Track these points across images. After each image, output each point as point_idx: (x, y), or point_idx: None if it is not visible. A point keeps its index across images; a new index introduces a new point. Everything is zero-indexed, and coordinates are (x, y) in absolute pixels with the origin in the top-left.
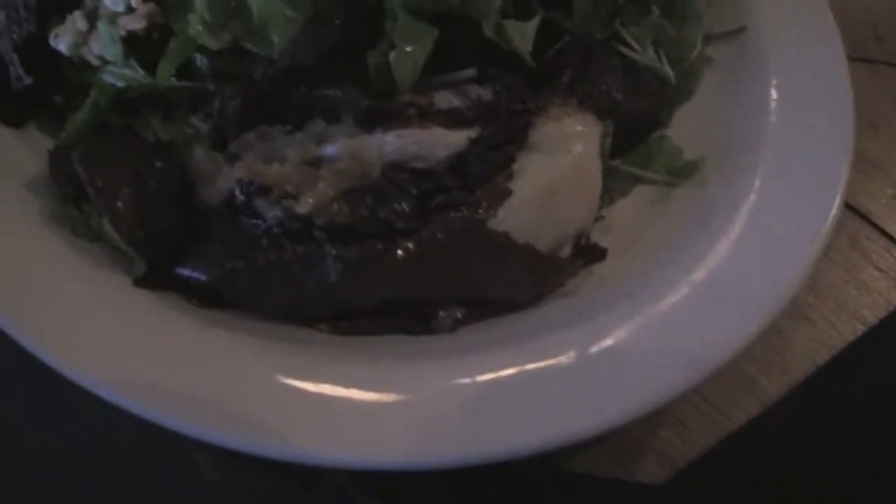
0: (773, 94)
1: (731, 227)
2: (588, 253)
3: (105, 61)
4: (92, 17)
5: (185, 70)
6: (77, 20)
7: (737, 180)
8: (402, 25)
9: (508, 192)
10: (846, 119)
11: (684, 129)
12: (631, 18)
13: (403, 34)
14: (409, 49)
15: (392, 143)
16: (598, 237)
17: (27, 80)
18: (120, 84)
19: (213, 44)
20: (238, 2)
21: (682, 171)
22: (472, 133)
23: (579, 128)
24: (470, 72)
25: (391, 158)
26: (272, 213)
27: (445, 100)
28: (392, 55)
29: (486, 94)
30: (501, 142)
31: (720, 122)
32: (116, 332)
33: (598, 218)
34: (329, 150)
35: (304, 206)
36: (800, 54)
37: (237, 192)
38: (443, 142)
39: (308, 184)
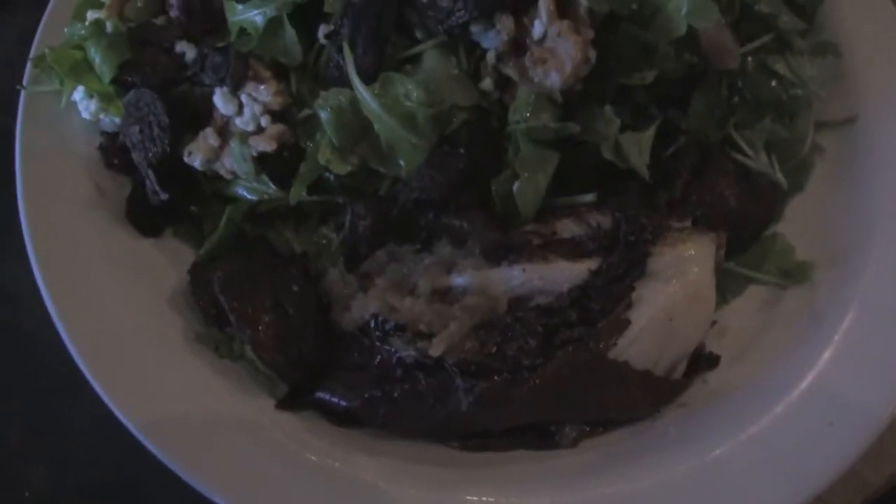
0: (884, 191)
1: (839, 336)
2: (702, 362)
3: (237, 175)
4: (223, 133)
5: (316, 184)
6: (209, 137)
7: (846, 284)
8: (524, 154)
9: (627, 323)
10: None
11: (796, 223)
12: (744, 121)
13: (526, 162)
14: (531, 177)
15: (518, 277)
16: (712, 342)
17: (163, 196)
18: (252, 198)
19: (341, 168)
20: (366, 127)
21: (794, 273)
22: (592, 265)
23: (694, 251)
24: (590, 197)
25: (517, 293)
26: (407, 353)
27: (567, 228)
28: (515, 185)
29: (605, 220)
30: (621, 273)
31: (831, 215)
32: (263, 458)
33: (713, 323)
34: (458, 280)
35: (437, 349)
36: None
37: (373, 327)
38: (565, 276)
39: (440, 322)
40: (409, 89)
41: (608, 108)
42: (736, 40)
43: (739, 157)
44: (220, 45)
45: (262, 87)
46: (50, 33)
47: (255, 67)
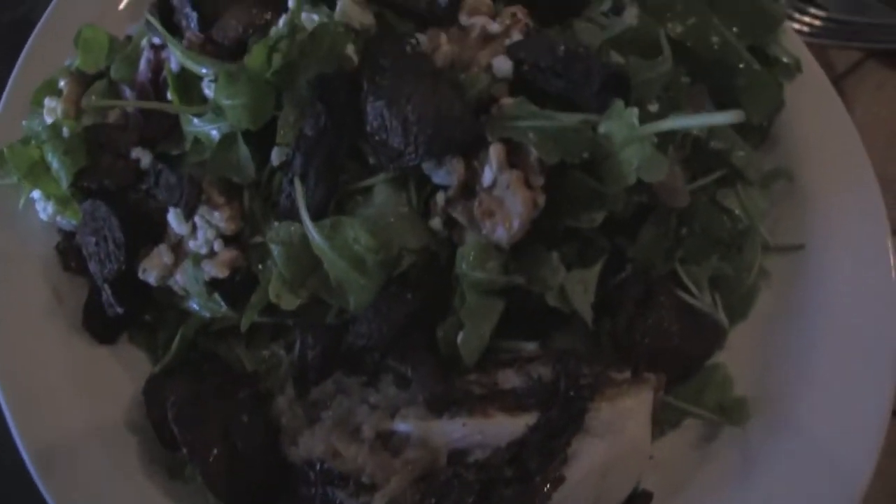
0: (826, 326)
1: (771, 479)
2: (636, 500)
3: (190, 292)
4: (177, 250)
5: (267, 307)
6: (163, 254)
7: (782, 428)
8: (470, 303)
9: (562, 479)
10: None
11: (738, 352)
12: (692, 255)
13: (471, 312)
14: (475, 326)
15: (458, 431)
16: (647, 476)
17: (119, 309)
18: (205, 314)
19: (291, 303)
20: (316, 262)
21: (731, 410)
22: (531, 419)
23: (632, 404)
24: (532, 346)
25: (457, 446)
26: None
27: (508, 380)
28: (460, 336)
29: (546, 372)
30: (558, 429)
31: (774, 345)
32: None
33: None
34: (402, 427)
35: (379, 503)
36: (857, 281)
37: (318, 470)
38: (505, 431)
39: (382, 475)
40: (358, 233)
41: (555, 256)
42: (685, 178)
43: (684, 295)
44: (175, 152)
45: (216, 212)
46: (8, 118)
47: (209, 191)
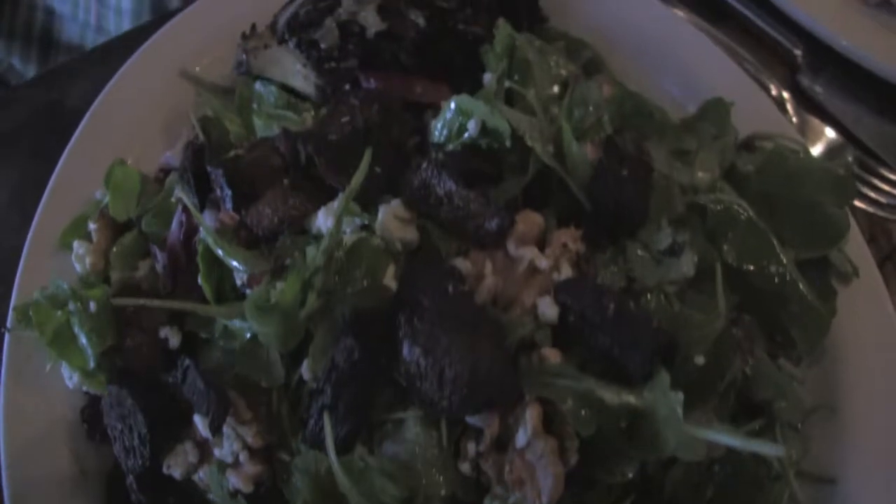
0: None
1: None
2: None
3: None
4: (202, 447)
5: None
6: (189, 452)
7: None
8: None
9: None
10: None
11: None
12: (720, 492)
13: None
14: None
15: None
16: None
17: (142, 499)
18: None
19: None
20: (341, 495)
21: None
22: None
23: None
24: None
25: None
26: None
27: None
28: None
29: None
30: None
31: None
32: None
33: None
34: None
35: None
36: None
37: None
38: None
39: None
40: (385, 485)
41: None
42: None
43: None
44: (204, 335)
45: (243, 426)
46: (36, 255)
47: (237, 403)
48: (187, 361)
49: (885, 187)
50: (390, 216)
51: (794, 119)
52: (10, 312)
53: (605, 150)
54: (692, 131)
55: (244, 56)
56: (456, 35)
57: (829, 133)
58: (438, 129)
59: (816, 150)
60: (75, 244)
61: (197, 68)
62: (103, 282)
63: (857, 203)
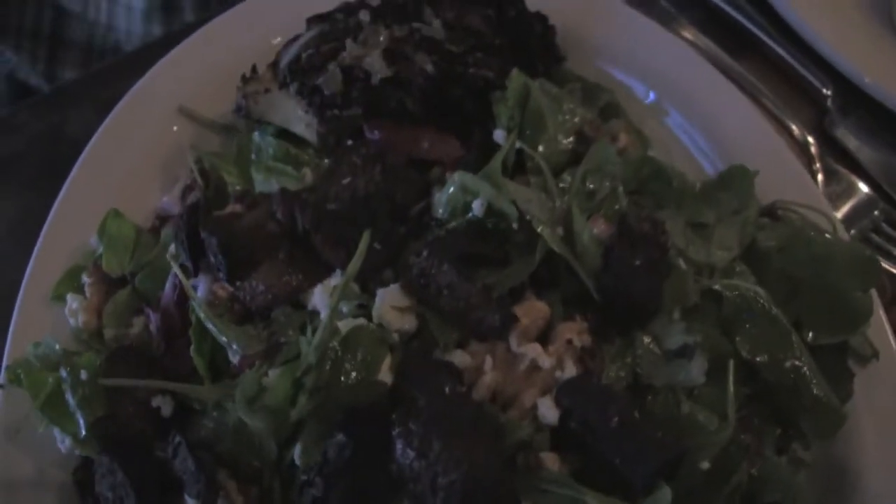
0: None
1: None
2: None
3: None
4: None
5: None
6: None
7: None
8: None
9: None
10: None
11: None
12: None
13: None
14: None
15: None
16: None
17: None
18: None
19: None
20: None
21: None
22: None
23: None
24: None
25: None
26: None
27: None
28: None
29: None
30: None
31: None
32: None
33: None
34: None
35: None
36: None
37: None
38: None
39: None
40: None
41: None
42: None
43: None
44: (197, 406)
45: None
46: (30, 304)
47: (227, 485)
48: (178, 438)
49: None
50: (388, 304)
51: (818, 166)
52: (3, 370)
53: (618, 231)
54: (712, 202)
55: (244, 100)
56: (466, 80)
57: (856, 184)
58: (443, 206)
59: (841, 201)
60: (69, 297)
61: (195, 104)
62: (97, 338)
63: (882, 262)
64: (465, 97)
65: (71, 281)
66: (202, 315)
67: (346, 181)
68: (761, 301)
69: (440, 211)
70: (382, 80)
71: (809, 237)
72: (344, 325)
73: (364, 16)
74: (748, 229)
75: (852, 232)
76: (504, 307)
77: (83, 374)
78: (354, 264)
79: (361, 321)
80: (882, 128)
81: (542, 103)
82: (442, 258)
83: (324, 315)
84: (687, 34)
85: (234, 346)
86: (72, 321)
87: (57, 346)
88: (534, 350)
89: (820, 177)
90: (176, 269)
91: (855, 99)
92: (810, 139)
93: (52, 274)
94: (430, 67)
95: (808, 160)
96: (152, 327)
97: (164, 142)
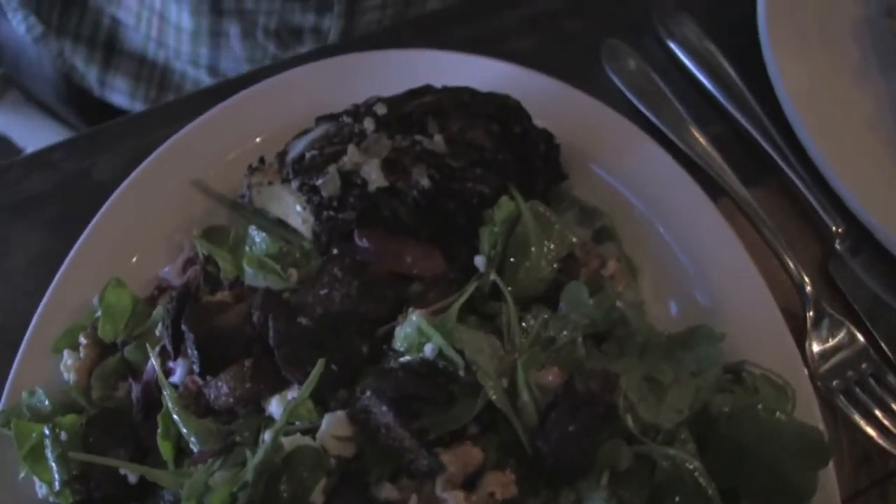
0: None
1: None
2: None
3: None
4: None
5: None
6: None
7: None
8: None
9: None
10: None
11: None
12: None
13: None
14: None
15: None
16: None
17: None
18: None
19: None
20: None
21: None
22: None
23: None
24: None
25: None
26: None
27: None
28: None
29: None
30: None
31: None
32: None
33: None
34: None
35: None
36: None
37: None
38: None
39: None
40: None
41: None
42: None
43: None
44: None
45: None
46: (31, 354)
47: None
48: None
49: None
50: (331, 432)
51: (811, 314)
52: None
53: (563, 392)
54: (672, 359)
55: (248, 189)
56: (461, 196)
57: (850, 331)
58: (401, 340)
59: (831, 349)
60: (66, 353)
61: (211, 176)
62: (86, 396)
63: (860, 420)
64: (458, 212)
65: (71, 337)
66: (169, 404)
67: (323, 292)
68: (696, 474)
69: (398, 343)
70: (379, 189)
71: (757, 415)
72: (290, 443)
73: (369, 124)
74: (702, 394)
75: (835, 382)
76: (432, 455)
77: (63, 435)
78: (305, 389)
79: (307, 440)
80: (888, 273)
81: (530, 229)
82: (381, 399)
83: (268, 435)
84: (700, 146)
85: (193, 440)
86: (66, 376)
87: (46, 402)
88: (455, 498)
89: (809, 321)
90: (153, 355)
91: (867, 240)
92: (807, 279)
93: (58, 325)
94: (425, 181)
95: (801, 301)
96: (134, 397)
97: (177, 211)
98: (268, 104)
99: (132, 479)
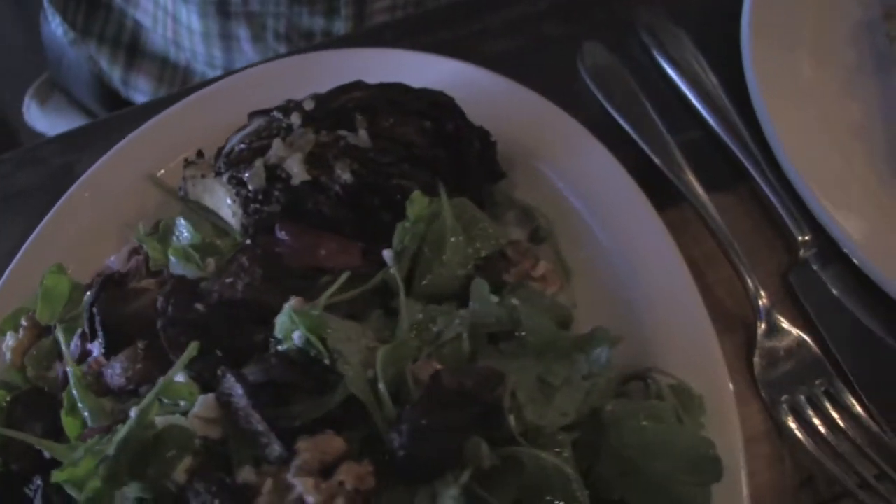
0: None
1: None
2: None
3: None
4: None
5: None
6: None
7: None
8: None
9: None
10: None
11: None
12: None
13: None
14: None
15: None
16: None
17: None
18: None
19: None
20: None
21: None
22: None
23: None
24: None
25: None
26: None
27: None
28: None
29: None
30: None
31: None
32: None
33: None
34: None
35: None
36: None
37: None
38: None
39: None
40: None
41: None
42: None
43: None
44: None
45: None
46: None
47: None
48: (38, 481)
49: (847, 430)
50: (198, 413)
51: (763, 325)
52: None
53: (427, 386)
54: (566, 361)
55: (184, 182)
56: (385, 191)
57: (804, 345)
58: (278, 328)
59: (780, 363)
60: (8, 335)
61: (167, 172)
62: (22, 375)
63: (802, 438)
64: (383, 207)
65: (15, 319)
66: (72, 381)
67: (228, 281)
68: (564, 478)
69: (276, 331)
70: (302, 182)
71: (641, 427)
72: (162, 422)
73: (295, 118)
74: (592, 398)
75: (784, 397)
76: (280, 442)
77: None
78: (175, 370)
79: (180, 419)
80: (851, 284)
81: (447, 226)
82: (240, 382)
83: (133, 412)
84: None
85: (86, 415)
86: (7, 356)
87: None
88: (304, 484)
89: (760, 332)
90: (59, 334)
91: (831, 249)
92: (761, 289)
93: (10, 306)
94: (347, 176)
95: (753, 311)
96: (59, 376)
97: (132, 205)
98: (229, 101)
99: (46, 454)
